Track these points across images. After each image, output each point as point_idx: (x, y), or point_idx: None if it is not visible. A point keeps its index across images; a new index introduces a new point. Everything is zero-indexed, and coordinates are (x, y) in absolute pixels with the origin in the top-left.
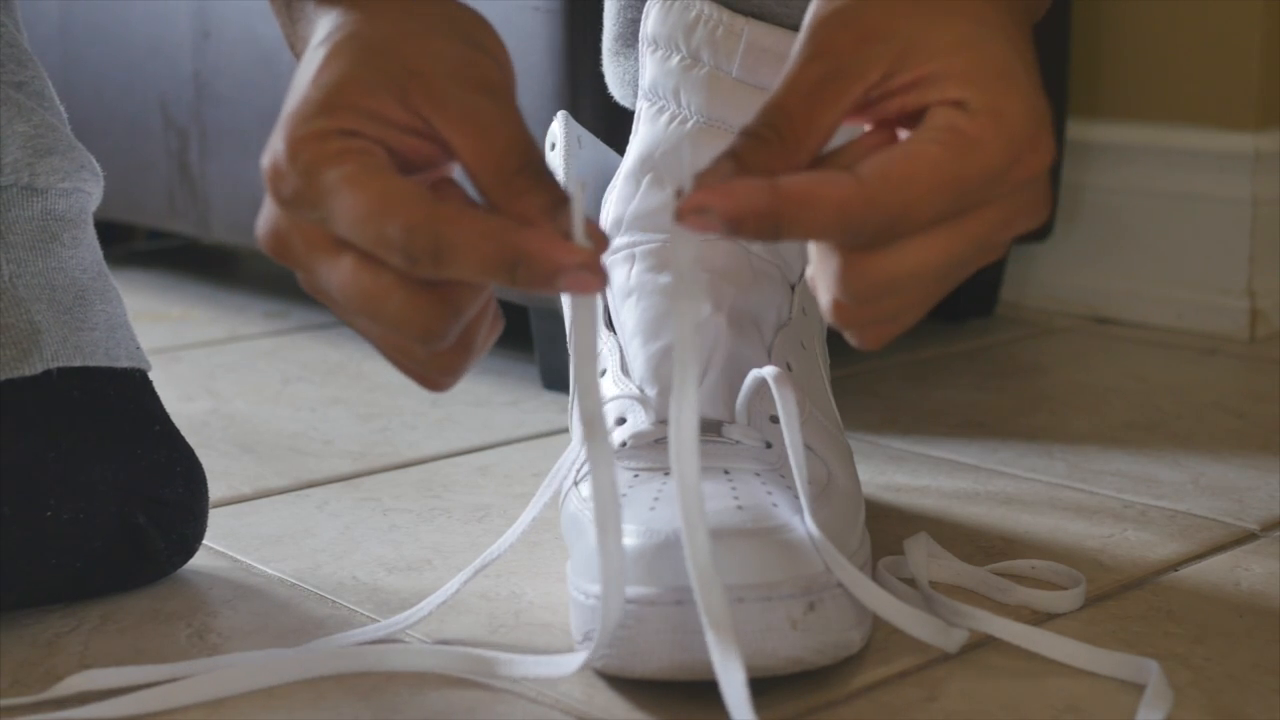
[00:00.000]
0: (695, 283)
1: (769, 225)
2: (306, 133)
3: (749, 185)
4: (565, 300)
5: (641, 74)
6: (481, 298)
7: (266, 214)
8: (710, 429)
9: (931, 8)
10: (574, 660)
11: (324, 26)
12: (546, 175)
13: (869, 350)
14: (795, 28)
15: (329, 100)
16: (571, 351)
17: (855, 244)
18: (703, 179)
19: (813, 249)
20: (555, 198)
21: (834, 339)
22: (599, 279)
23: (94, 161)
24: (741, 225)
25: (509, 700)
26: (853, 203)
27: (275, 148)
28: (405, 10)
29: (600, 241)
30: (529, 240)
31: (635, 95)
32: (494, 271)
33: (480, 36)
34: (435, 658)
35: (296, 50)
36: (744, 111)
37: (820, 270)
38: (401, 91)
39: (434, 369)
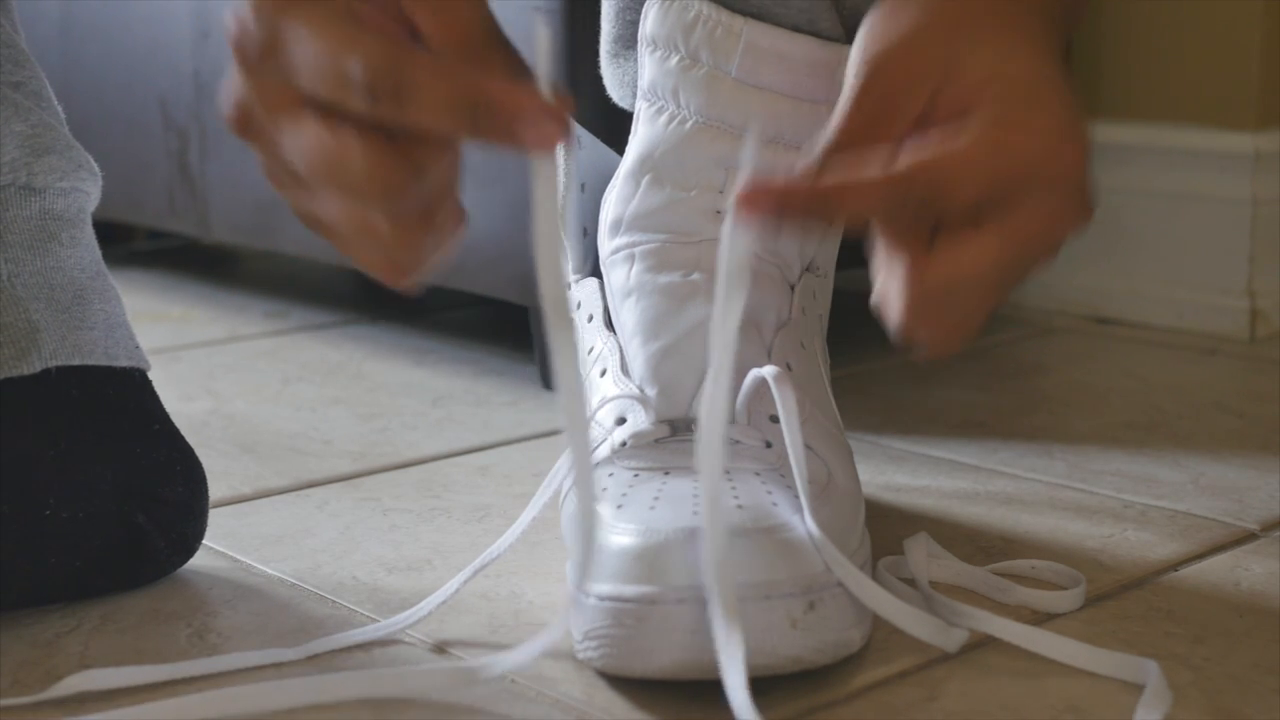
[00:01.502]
0: (741, 282)
1: (818, 204)
2: None
3: (796, 176)
4: (533, 175)
5: (640, 74)
6: (443, 162)
7: (231, 87)
8: None
9: (964, 33)
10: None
11: None
12: (510, 48)
13: (939, 356)
14: (794, 28)
15: None
16: (535, 224)
17: (900, 223)
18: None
19: (879, 265)
20: (520, 67)
21: (834, 339)
22: (561, 131)
23: (92, 161)
24: (791, 204)
25: (508, 700)
26: (894, 175)
27: (240, 9)
28: None
29: (566, 101)
30: (492, 84)
31: (634, 97)
32: (455, 114)
33: None
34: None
35: None
36: (743, 112)
37: (887, 280)
38: None
39: (399, 248)
